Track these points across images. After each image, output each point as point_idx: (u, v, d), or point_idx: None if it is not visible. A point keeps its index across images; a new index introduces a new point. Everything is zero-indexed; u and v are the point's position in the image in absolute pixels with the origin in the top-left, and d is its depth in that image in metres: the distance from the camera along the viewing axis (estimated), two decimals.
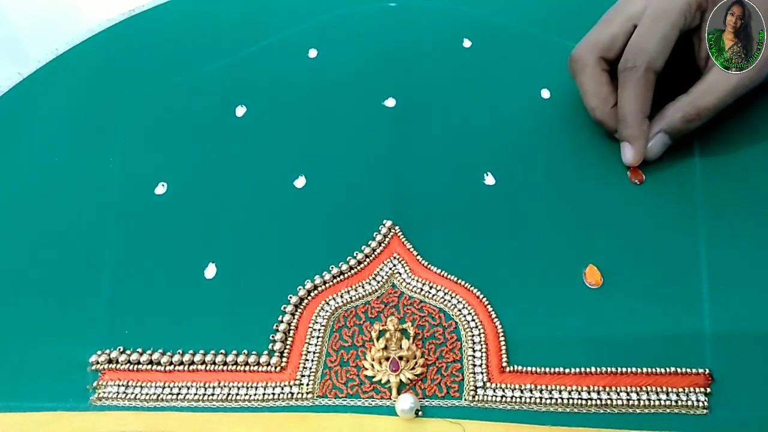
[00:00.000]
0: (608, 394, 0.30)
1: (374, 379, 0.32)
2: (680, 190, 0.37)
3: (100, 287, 0.37)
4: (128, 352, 0.34)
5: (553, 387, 0.31)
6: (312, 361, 0.33)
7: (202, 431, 0.31)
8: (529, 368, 0.31)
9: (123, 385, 0.33)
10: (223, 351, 0.33)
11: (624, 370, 0.31)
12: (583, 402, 0.30)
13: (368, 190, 0.39)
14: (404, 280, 0.35)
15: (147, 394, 0.32)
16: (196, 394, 0.32)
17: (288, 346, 0.33)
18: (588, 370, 0.31)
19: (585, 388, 0.30)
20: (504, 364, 0.31)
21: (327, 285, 0.35)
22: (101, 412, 0.32)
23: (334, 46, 0.49)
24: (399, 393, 0.31)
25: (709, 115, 0.36)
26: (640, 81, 0.35)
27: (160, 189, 0.41)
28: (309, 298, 0.35)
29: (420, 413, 0.30)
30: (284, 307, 0.34)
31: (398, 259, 0.36)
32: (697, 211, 0.36)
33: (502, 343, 0.32)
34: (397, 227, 0.37)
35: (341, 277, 0.35)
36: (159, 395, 0.32)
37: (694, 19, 0.35)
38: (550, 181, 0.39)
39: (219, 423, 0.31)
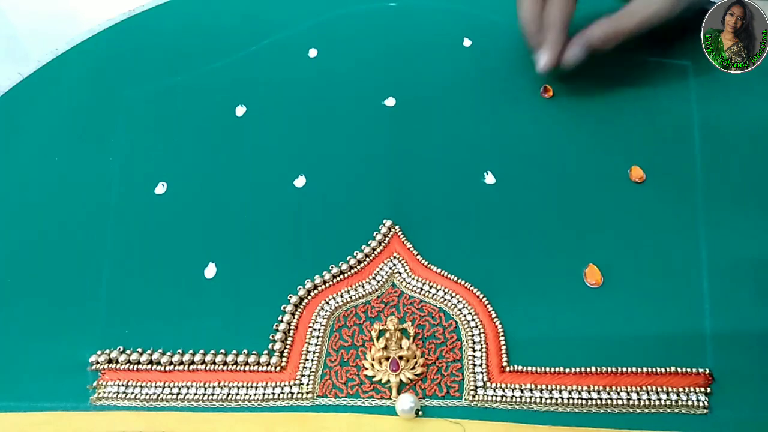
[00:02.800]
0: (608, 393, 0.30)
1: (374, 379, 0.32)
2: (680, 190, 0.37)
3: (100, 287, 0.37)
4: (128, 351, 0.34)
5: (554, 387, 0.31)
6: (312, 360, 0.33)
7: (202, 431, 0.31)
8: (529, 368, 0.31)
9: (123, 385, 0.33)
10: (223, 351, 0.33)
11: (624, 369, 0.31)
12: (584, 402, 0.30)
13: (368, 189, 0.39)
14: (404, 279, 0.35)
15: (147, 393, 0.32)
16: (196, 393, 0.32)
17: (288, 346, 0.33)
18: (588, 369, 0.31)
19: (585, 388, 0.30)
20: (504, 364, 0.31)
21: (327, 284, 0.35)
22: (101, 412, 0.32)
23: (334, 46, 0.49)
24: (399, 393, 0.31)
25: (625, 36, 0.39)
26: None
27: (160, 189, 0.41)
28: (309, 297, 0.35)
29: (420, 413, 0.30)
30: (284, 307, 0.34)
31: (398, 259, 0.36)
32: (697, 211, 0.36)
33: (503, 342, 0.32)
34: (397, 227, 0.37)
35: (341, 276, 0.35)
36: (159, 395, 0.32)
37: None
38: (550, 181, 0.38)
39: (219, 423, 0.31)
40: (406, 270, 0.35)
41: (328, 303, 0.34)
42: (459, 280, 0.34)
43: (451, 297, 0.34)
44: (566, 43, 0.40)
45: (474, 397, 0.31)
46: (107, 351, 0.34)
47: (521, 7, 0.42)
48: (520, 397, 0.30)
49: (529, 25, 0.42)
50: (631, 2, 0.39)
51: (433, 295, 0.34)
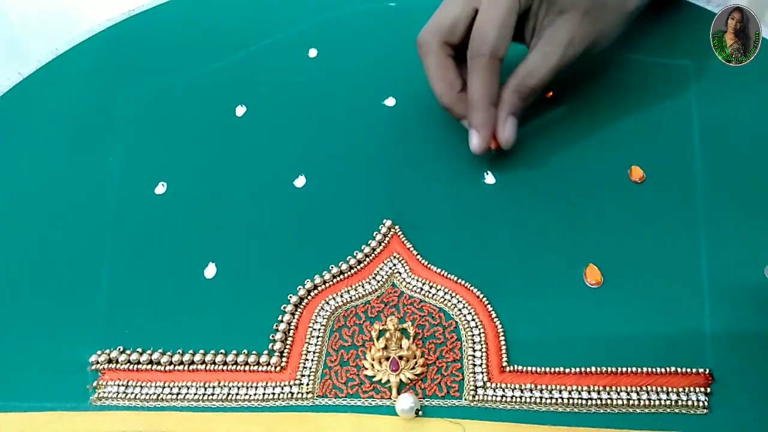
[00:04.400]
0: (608, 393, 0.30)
1: (374, 379, 0.32)
2: (680, 190, 0.37)
3: (100, 287, 0.37)
4: (128, 351, 0.34)
5: (554, 387, 0.31)
6: (312, 360, 0.33)
7: (202, 431, 0.31)
8: (529, 368, 0.31)
9: (123, 385, 0.33)
10: (223, 351, 0.33)
11: (624, 369, 0.31)
12: (584, 402, 0.30)
13: (368, 189, 0.39)
14: (404, 279, 0.35)
15: (147, 393, 0.32)
16: (196, 393, 0.32)
17: (288, 346, 0.33)
18: (588, 369, 0.31)
19: (585, 388, 0.30)
20: (504, 364, 0.31)
21: (327, 284, 0.35)
22: (101, 412, 0.32)
23: (334, 46, 0.49)
24: (399, 393, 0.31)
25: (538, 91, 0.38)
26: (486, 68, 0.36)
27: (160, 189, 0.41)
28: (309, 297, 0.35)
29: (420, 413, 0.30)
30: (284, 307, 0.34)
31: (398, 259, 0.36)
32: (697, 211, 0.36)
33: (502, 342, 0.32)
34: (396, 227, 0.37)
35: (341, 276, 0.35)
36: (159, 395, 0.32)
37: (528, 2, 0.37)
38: (550, 181, 0.38)
39: (219, 423, 0.31)
40: (406, 270, 0.35)
41: (328, 303, 0.34)
42: (459, 280, 0.34)
43: (451, 297, 0.34)
44: (495, 117, 0.37)
45: (474, 397, 0.31)
46: (107, 351, 0.34)
47: (432, 79, 0.38)
48: (520, 397, 0.30)
49: (445, 97, 0.38)
50: (527, 58, 0.37)
51: (433, 295, 0.34)
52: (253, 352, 0.33)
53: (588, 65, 0.41)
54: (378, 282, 0.35)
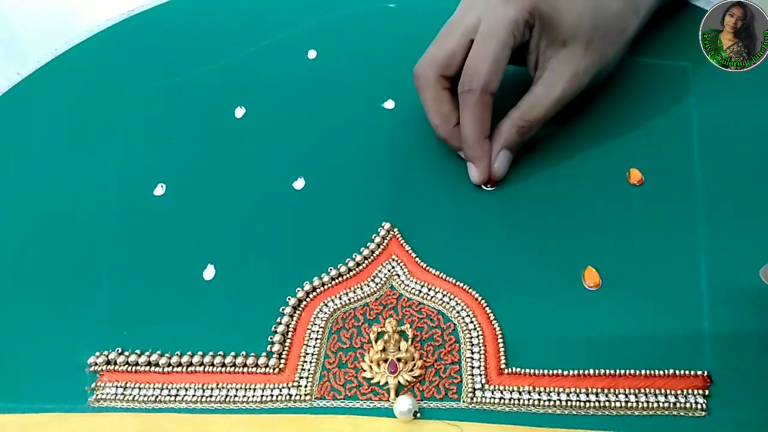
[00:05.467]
0: (607, 396, 0.30)
1: (372, 381, 0.32)
2: (680, 190, 0.37)
3: (99, 288, 0.37)
4: (126, 353, 0.34)
5: (552, 389, 0.31)
6: (310, 362, 0.33)
7: None
8: (527, 370, 0.31)
9: (121, 387, 0.33)
10: (221, 352, 0.33)
11: (622, 372, 0.31)
12: (582, 404, 0.30)
13: (367, 191, 0.39)
14: (403, 281, 0.35)
15: (145, 395, 0.32)
16: (194, 395, 0.32)
17: (286, 348, 0.33)
18: (586, 372, 0.31)
19: (583, 390, 0.30)
20: (502, 366, 0.31)
21: (325, 287, 0.35)
22: (99, 414, 0.32)
23: (334, 47, 0.48)
24: (397, 395, 0.31)
25: (540, 125, 0.37)
26: (477, 104, 0.36)
27: (159, 190, 0.41)
28: (307, 299, 0.35)
29: (418, 415, 0.30)
30: (283, 309, 0.34)
31: (397, 261, 0.36)
32: (696, 214, 0.36)
33: (501, 344, 0.32)
34: (395, 229, 0.37)
35: (340, 278, 0.35)
36: (157, 397, 0.32)
37: (524, 36, 0.36)
38: (549, 183, 0.38)
39: (217, 424, 0.31)
40: (404, 272, 0.35)
41: (326, 305, 0.34)
42: (457, 283, 0.34)
43: (450, 299, 0.34)
44: (490, 149, 0.37)
45: (472, 399, 0.31)
46: (106, 352, 0.34)
47: (428, 111, 0.38)
48: (519, 400, 0.30)
49: (442, 129, 0.38)
50: (531, 91, 0.37)
51: (432, 297, 0.34)
52: (252, 353, 0.33)
53: None
54: (376, 284, 0.35)
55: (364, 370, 0.32)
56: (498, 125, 0.38)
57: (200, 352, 0.33)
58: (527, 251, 0.36)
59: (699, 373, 0.30)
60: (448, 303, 0.34)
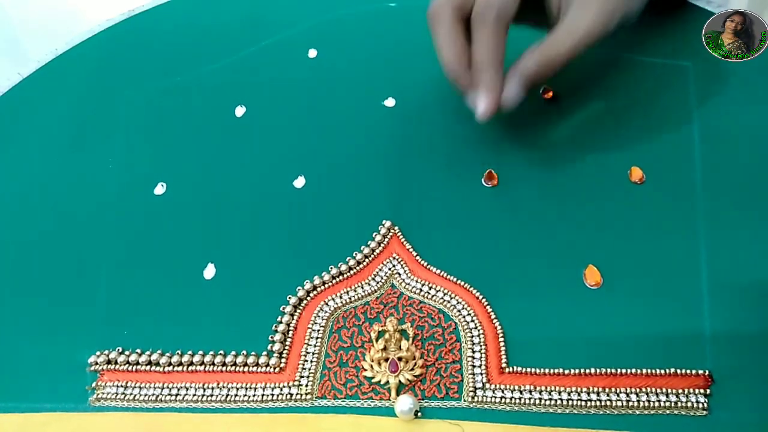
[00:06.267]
0: (608, 395, 0.30)
1: (373, 380, 0.31)
2: (680, 192, 0.37)
3: (99, 288, 0.37)
4: (127, 352, 0.34)
5: (553, 388, 0.31)
6: (311, 361, 0.32)
7: None
8: (528, 369, 0.31)
9: (122, 386, 0.33)
10: (222, 352, 0.33)
11: (623, 371, 0.31)
12: (583, 403, 0.30)
13: (368, 190, 0.39)
14: (403, 280, 0.35)
15: (146, 394, 0.32)
16: (194, 394, 0.32)
17: (287, 347, 0.33)
18: (587, 371, 0.31)
19: (584, 389, 0.30)
20: (503, 365, 0.31)
21: (326, 285, 0.35)
22: (100, 413, 0.32)
23: (334, 47, 0.48)
24: (398, 394, 0.31)
25: (561, 63, 0.35)
26: (492, 32, 0.34)
27: (159, 189, 0.41)
28: (308, 298, 0.35)
29: (419, 414, 0.30)
30: (283, 308, 0.34)
31: (397, 260, 0.36)
32: (697, 211, 0.36)
33: (502, 343, 0.32)
34: (396, 227, 0.37)
35: (340, 277, 0.35)
36: (158, 396, 0.32)
37: None
38: (550, 181, 0.38)
39: (218, 424, 0.31)
40: (405, 271, 0.35)
41: (327, 304, 0.34)
42: (458, 281, 0.34)
43: (451, 298, 0.34)
44: (502, 82, 0.35)
45: (473, 398, 0.31)
46: (106, 352, 0.34)
47: (440, 47, 0.36)
48: (519, 399, 0.30)
49: (453, 65, 0.36)
50: (556, 27, 0.35)
51: (433, 296, 0.34)
52: (252, 353, 0.33)
53: (587, 66, 0.41)
54: (377, 283, 0.35)
55: (365, 369, 0.32)
56: (519, 58, 0.36)
57: (201, 352, 0.33)
58: (528, 250, 0.36)
59: (700, 372, 0.30)
60: (449, 302, 0.34)
